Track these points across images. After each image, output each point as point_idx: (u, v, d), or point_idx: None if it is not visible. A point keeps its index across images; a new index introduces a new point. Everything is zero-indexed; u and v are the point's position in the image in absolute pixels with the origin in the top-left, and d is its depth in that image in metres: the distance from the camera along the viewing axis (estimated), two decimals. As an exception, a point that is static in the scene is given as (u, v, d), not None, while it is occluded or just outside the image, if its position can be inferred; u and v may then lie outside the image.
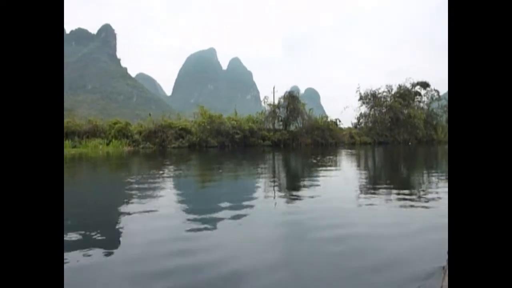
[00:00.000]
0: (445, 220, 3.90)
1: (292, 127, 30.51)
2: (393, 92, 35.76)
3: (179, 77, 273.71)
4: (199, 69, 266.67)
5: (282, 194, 6.08)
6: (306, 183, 7.35)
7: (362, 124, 35.38)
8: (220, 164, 12.58)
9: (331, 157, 15.27)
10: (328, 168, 10.63)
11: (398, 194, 5.75)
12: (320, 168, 10.42)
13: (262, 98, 31.40)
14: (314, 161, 13.25)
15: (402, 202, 5.04)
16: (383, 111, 34.66)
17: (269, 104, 30.56)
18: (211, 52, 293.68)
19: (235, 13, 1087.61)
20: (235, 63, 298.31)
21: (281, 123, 30.43)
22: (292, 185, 7.33)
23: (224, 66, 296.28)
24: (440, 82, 40.30)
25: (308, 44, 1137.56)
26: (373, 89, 35.87)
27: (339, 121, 32.86)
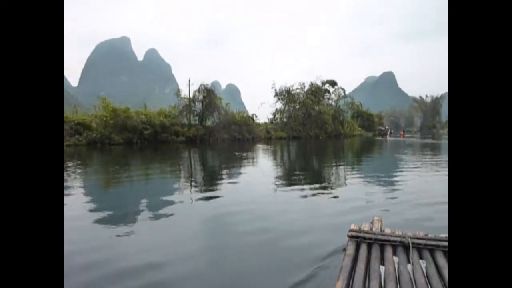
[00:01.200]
0: (346, 205, 4.54)
1: (208, 122, 30.25)
2: (305, 89, 39.57)
3: (87, 67, 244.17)
4: (111, 58, 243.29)
5: (198, 191, 5.94)
6: (224, 178, 7.37)
7: (278, 120, 37.97)
8: (122, 165, 11.41)
9: (248, 152, 15.80)
10: (246, 162, 10.95)
11: (311, 184, 6.36)
12: (238, 163, 10.64)
13: (183, 92, 30.07)
14: (232, 156, 13.46)
15: (313, 191, 5.59)
16: (297, 107, 37.99)
17: (184, 98, 29.49)
18: (124, 41, 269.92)
19: (153, 1, 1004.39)
20: (152, 54, 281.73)
21: (196, 117, 29.79)
22: (210, 181, 7.24)
23: (140, 57, 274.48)
24: (345, 82, 46.58)
25: (231, 39, 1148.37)
26: (288, 86, 38.91)
27: (256, 116, 34.36)
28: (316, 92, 39.35)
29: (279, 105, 38.82)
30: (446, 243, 2.27)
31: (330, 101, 41.80)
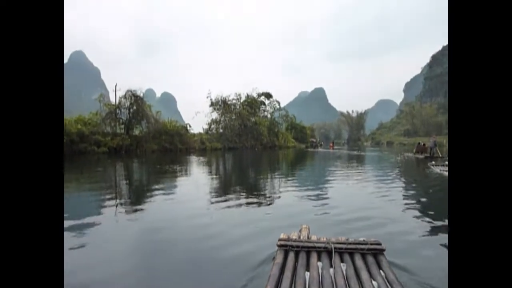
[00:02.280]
0: (280, 216, 4.72)
1: (136, 132, 28.41)
2: (241, 101, 40.51)
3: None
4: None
5: (125, 208, 5.48)
6: (154, 194, 6.95)
7: (213, 130, 37.88)
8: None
9: (180, 165, 15.30)
10: (179, 175, 10.55)
11: (247, 196, 6.45)
12: (168, 177, 10.19)
13: (112, 99, 27.50)
14: (161, 169, 12.84)
15: (249, 200, 5.67)
16: (233, 118, 38.55)
17: (107, 104, 27.19)
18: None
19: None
20: (79, 57, 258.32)
21: (122, 126, 27.68)
22: (136, 198, 6.76)
23: (64, 59, 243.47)
24: (280, 96, 49.20)
25: (168, 46, 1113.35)
26: (224, 96, 39.30)
27: (190, 126, 33.68)
28: (252, 103, 40.68)
29: (215, 115, 38.88)
30: (364, 246, 2.55)
31: (265, 113, 43.60)
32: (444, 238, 3.64)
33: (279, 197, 6.58)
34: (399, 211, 5.08)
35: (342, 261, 2.44)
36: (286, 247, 2.65)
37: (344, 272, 2.24)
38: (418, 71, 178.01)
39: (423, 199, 6.26)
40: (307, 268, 2.35)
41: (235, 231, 3.93)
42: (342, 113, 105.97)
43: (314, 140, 51.35)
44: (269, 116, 43.74)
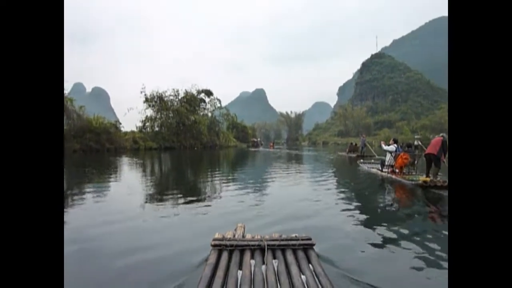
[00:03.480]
0: (217, 216, 4.68)
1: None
2: (180, 97, 39.12)
3: None
4: None
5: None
6: (75, 200, 6.28)
7: (148, 128, 35.91)
8: None
9: (109, 167, 14.16)
10: (107, 179, 9.74)
11: (185, 199, 6.24)
12: (95, 180, 9.34)
13: None
14: (88, 171, 11.71)
15: (188, 206, 5.50)
16: (170, 115, 37.05)
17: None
18: None
19: None
20: None
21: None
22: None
23: None
24: (221, 95, 48.73)
25: (101, 37, 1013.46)
26: (160, 91, 37.50)
27: (120, 123, 31.43)
28: (192, 100, 39.60)
29: (150, 112, 36.85)
30: (295, 242, 2.66)
31: (206, 111, 42.87)
32: (359, 221, 4.04)
33: (218, 197, 6.54)
34: (333, 205, 5.46)
35: (274, 257, 2.50)
36: (220, 247, 2.63)
37: (276, 268, 2.30)
38: (350, 77, 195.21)
39: (353, 193, 6.86)
40: (240, 266, 2.36)
41: (168, 235, 3.77)
42: (281, 114, 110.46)
43: (255, 140, 52.41)
44: (209, 114, 43.16)
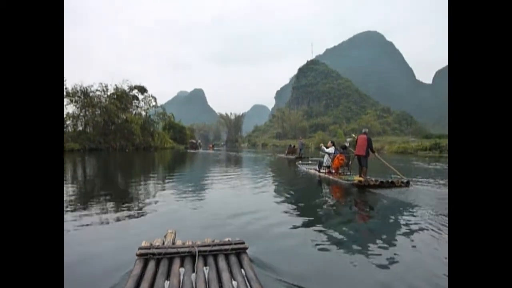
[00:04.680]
0: (147, 225, 4.36)
1: None
2: (109, 93, 36.09)
3: None
4: None
5: None
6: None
7: (70, 127, 32.30)
8: None
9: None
10: None
11: (115, 205, 5.71)
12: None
13: None
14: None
15: (119, 214, 5.02)
16: (97, 113, 33.94)
17: None
18: None
19: None
20: None
21: None
22: None
23: None
24: (157, 94, 46.20)
25: None
26: (84, 85, 34.13)
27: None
28: (123, 97, 36.84)
29: (71, 108, 33.15)
30: (228, 247, 2.59)
31: (139, 110, 40.34)
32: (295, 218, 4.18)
33: (150, 204, 6.13)
34: (271, 207, 5.54)
35: (205, 264, 2.40)
36: (146, 256, 2.43)
37: (207, 276, 2.21)
38: (287, 81, 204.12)
39: (292, 194, 7.08)
40: (168, 276, 2.20)
41: (91, 248, 3.37)
42: (221, 115, 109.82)
43: (194, 141, 51.04)
44: (143, 113, 40.69)
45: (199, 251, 2.48)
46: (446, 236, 3.77)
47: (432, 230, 4.03)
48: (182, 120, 62.40)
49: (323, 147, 10.54)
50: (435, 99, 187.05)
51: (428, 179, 9.56)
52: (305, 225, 4.43)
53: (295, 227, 4.28)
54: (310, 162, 14.93)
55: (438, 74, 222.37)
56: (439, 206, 5.52)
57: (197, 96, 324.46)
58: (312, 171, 11.07)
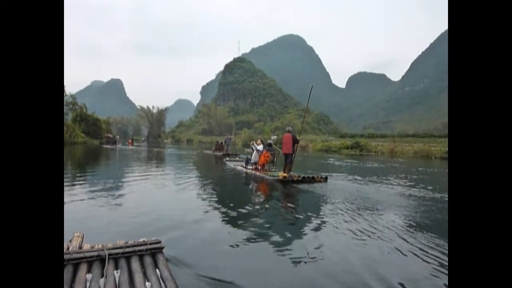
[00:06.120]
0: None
1: None
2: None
3: None
4: None
5: None
6: None
7: None
8: None
9: None
10: None
11: None
12: None
13: None
14: None
15: None
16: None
17: None
18: None
19: None
20: None
21: None
22: None
23: None
24: (67, 82, 40.87)
25: None
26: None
27: None
28: (20, 84, 31.72)
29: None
30: (142, 247, 2.49)
31: (42, 99, 35.18)
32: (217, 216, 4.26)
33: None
34: (197, 204, 5.47)
35: (116, 268, 2.27)
36: (45, 266, 2.17)
37: (117, 280, 2.09)
38: (213, 77, 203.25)
39: (219, 190, 7.10)
40: (72, 284, 2.01)
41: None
42: (142, 108, 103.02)
43: (111, 136, 46.67)
44: (47, 103, 35.61)
45: (109, 254, 2.32)
46: (357, 224, 4.30)
47: (344, 219, 4.57)
48: (97, 112, 56.51)
49: (255, 144, 10.90)
50: (347, 102, 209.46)
51: (345, 175, 10.67)
52: (228, 220, 4.51)
53: (217, 223, 4.34)
54: (237, 159, 15.20)
55: (350, 79, 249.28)
56: (350, 198, 6.27)
57: (115, 87, 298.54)
58: (239, 168, 11.38)
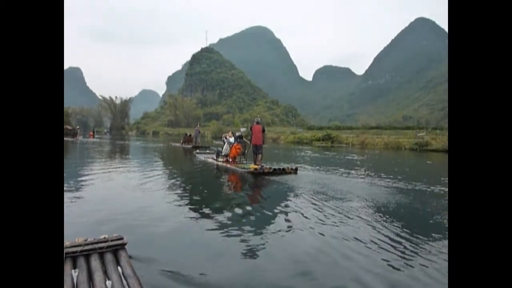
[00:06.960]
0: None
1: None
2: None
3: None
4: None
5: None
6: None
7: None
8: None
9: None
10: None
11: None
12: None
13: None
14: None
15: None
16: None
17: None
18: None
19: None
20: None
21: None
22: None
23: None
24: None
25: None
26: None
27: None
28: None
29: None
30: (103, 244, 2.38)
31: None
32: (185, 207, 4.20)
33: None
34: (165, 198, 5.31)
35: (74, 267, 2.14)
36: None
37: (75, 279, 1.98)
38: (180, 67, 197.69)
39: (186, 181, 6.96)
40: None
41: None
42: (104, 99, 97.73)
43: (70, 128, 43.87)
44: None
45: (66, 253, 2.19)
46: (323, 213, 4.43)
47: (311, 207, 4.71)
48: (53, 102, 52.64)
49: (227, 136, 10.81)
50: (314, 95, 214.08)
51: (314, 166, 10.95)
52: (195, 215, 4.46)
53: (183, 219, 4.25)
54: (208, 151, 15.01)
55: (317, 72, 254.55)
56: (317, 188, 6.49)
57: (73, 76, 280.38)
58: (210, 160, 11.27)
